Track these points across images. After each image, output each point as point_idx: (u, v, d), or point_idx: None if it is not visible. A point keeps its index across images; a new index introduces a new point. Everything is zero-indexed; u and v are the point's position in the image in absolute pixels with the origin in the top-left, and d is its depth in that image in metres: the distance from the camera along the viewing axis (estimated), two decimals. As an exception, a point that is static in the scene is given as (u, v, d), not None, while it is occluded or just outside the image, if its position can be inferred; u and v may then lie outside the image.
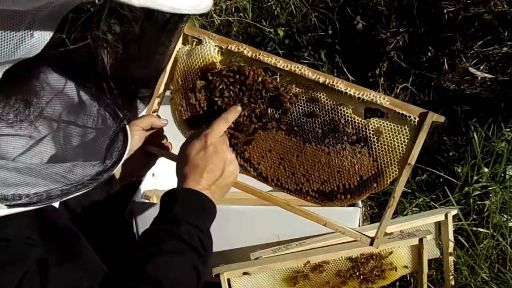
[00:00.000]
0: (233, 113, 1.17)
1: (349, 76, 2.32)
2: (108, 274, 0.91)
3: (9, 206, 0.70)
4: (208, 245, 1.01)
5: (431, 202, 1.89)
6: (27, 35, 0.65)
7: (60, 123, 0.86)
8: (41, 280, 0.77)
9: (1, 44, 0.64)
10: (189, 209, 1.02)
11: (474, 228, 1.78)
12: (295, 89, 1.15)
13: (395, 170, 1.10)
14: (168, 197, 1.05)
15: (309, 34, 2.48)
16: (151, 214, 1.55)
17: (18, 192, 0.71)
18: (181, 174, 1.08)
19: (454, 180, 1.92)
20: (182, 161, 1.10)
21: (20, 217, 0.74)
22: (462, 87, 2.21)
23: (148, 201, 1.68)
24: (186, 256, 0.95)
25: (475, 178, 1.90)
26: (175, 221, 0.98)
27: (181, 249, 0.95)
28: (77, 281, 0.82)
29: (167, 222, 0.99)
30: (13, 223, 0.77)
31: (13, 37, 0.64)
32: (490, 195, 1.86)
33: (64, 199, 0.77)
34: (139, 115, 1.13)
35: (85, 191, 0.80)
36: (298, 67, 1.14)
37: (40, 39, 0.66)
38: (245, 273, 1.49)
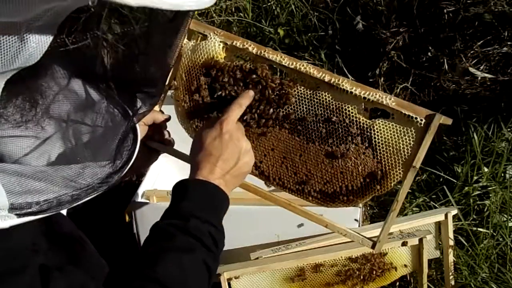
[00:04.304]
0: (246, 98, 1.13)
1: (349, 76, 2.32)
2: (116, 272, 0.89)
3: (19, 216, 0.68)
4: (220, 240, 0.98)
5: (431, 202, 1.89)
6: (25, 44, 0.63)
7: (67, 123, 0.83)
8: (42, 285, 0.74)
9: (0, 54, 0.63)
10: (200, 203, 0.99)
11: (474, 228, 1.79)
12: (300, 87, 1.14)
13: (400, 173, 1.08)
14: (179, 189, 1.02)
15: (309, 34, 2.47)
16: (151, 214, 1.55)
17: (27, 200, 0.69)
18: (195, 163, 1.06)
19: (454, 180, 1.92)
20: (196, 148, 1.07)
21: (27, 224, 0.71)
22: (462, 87, 2.21)
23: (148, 201, 1.67)
24: (197, 253, 0.92)
25: (475, 178, 1.91)
26: (186, 216, 0.96)
27: (191, 246, 0.92)
28: (82, 283, 0.80)
29: (177, 217, 0.97)
30: (20, 231, 0.73)
31: (11, 46, 0.63)
32: (490, 195, 1.86)
33: (74, 204, 0.75)
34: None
35: (95, 195, 0.78)
36: (303, 65, 1.13)
37: (38, 47, 0.65)
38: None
